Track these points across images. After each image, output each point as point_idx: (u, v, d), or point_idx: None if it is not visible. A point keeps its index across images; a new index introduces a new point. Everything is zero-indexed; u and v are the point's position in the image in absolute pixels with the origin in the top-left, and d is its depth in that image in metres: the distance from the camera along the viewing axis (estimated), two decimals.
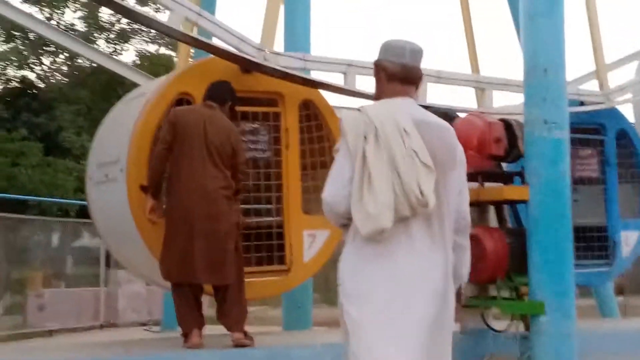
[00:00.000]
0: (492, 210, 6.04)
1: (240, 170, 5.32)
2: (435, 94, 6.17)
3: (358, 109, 3.23)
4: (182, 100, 5.64)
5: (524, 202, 5.58)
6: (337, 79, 6.29)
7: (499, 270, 5.56)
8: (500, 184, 5.94)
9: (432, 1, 55.69)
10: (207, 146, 5.15)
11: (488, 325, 5.90)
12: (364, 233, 3.00)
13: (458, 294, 3.27)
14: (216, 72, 5.73)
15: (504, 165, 6.19)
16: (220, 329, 5.50)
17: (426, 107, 6.20)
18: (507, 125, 5.89)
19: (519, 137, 5.79)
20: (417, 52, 3.34)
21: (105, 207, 6.09)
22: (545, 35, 5.45)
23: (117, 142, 5.72)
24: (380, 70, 3.32)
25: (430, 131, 3.17)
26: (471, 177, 5.91)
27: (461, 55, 8.51)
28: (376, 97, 3.38)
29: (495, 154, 5.80)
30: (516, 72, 6.23)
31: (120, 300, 14.14)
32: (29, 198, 17.65)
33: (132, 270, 7.02)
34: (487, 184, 5.87)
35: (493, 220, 6.07)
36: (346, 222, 3.13)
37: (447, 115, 6.29)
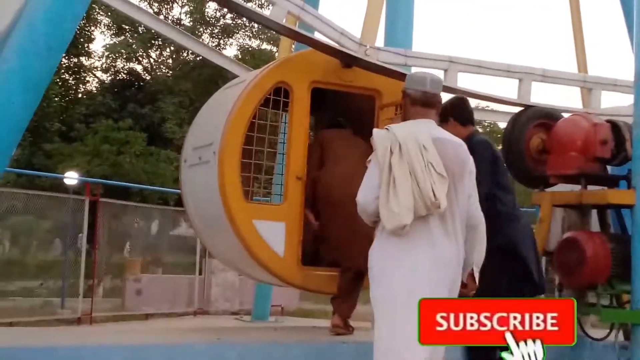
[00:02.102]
0: (594, 215, 5.84)
1: None
2: (540, 93, 5.97)
3: (386, 128, 3.92)
4: (280, 88, 5.69)
5: (629, 207, 5.36)
6: (438, 75, 6.19)
7: (599, 276, 5.37)
8: (605, 188, 5.73)
9: None
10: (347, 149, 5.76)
11: (586, 333, 5.71)
12: (388, 228, 3.68)
13: (471, 278, 3.91)
14: (316, 64, 5.76)
15: (609, 168, 5.97)
16: (316, 322, 5.57)
17: (529, 107, 6.15)
18: (615, 126, 5.68)
19: (627, 139, 5.57)
20: (436, 82, 4.06)
21: (196, 189, 6.12)
22: None
23: (214, 126, 5.76)
24: (406, 96, 4.02)
25: (445, 147, 3.83)
26: (574, 179, 5.75)
27: (568, 53, 8.25)
28: (403, 119, 4.09)
29: (601, 156, 5.60)
30: (627, 72, 6.02)
31: (214, 289, 14.43)
32: (131, 185, 18.22)
33: (217, 255, 6.96)
34: (590, 187, 5.67)
35: (595, 225, 5.87)
36: (376, 220, 3.81)
37: (552, 114, 6.14)
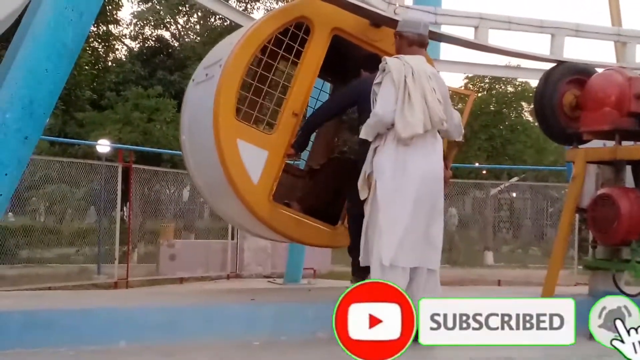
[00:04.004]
0: (628, 170, 5.78)
1: None
2: (572, 48, 5.86)
3: (397, 57, 4.74)
4: (302, 24, 5.61)
5: None
6: (468, 33, 6.13)
7: (633, 232, 5.34)
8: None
9: None
10: None
11: (620, 289, 5.69)
12: (404, 136, 4.50)
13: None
14: (345, 13, 5.67)
15: None
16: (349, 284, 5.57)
17: (562, 62, 6.06)
18: None
19: None
20: (427, 26, 4.97)
21: (195, 106, 5.92)
22: None
23: (228, 45, 5.69)
24: (403, 38, 4.88)
25: (438, 79, 4.76)
26: (608, 134, 5.68)
27: (602, 6, 8.07)
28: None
29: (636, 111, 5.52)
30: None
31: (246, 253, 14.58)
32: (163, 151, 18.35)
33: (199, 181, 6.24)
34: (624, 143, 5.60)
35: (629, 181, 5.81)
36: (384, 131, 4.61)
37: (585, 70, 6.05)
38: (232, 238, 14.62)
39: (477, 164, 25.07)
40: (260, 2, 26.70)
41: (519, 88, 28.49)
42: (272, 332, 5.01)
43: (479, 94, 28.96)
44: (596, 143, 5.98)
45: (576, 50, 6.02)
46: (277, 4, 26.47)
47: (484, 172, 25.02)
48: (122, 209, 13.24)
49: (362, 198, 4.75)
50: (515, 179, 24.27)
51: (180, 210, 16.93)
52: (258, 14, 26.12)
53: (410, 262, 4.55)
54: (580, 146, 5.96)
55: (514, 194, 21.27)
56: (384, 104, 4.59)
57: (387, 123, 4.58)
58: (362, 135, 4.73)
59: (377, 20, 5.74)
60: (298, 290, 8.06)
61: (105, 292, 10.58)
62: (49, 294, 8.78)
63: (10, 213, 13.93)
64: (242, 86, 5.45)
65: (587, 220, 5.76)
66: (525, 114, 29.14)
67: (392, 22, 5.70)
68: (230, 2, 24.80)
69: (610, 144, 5.71)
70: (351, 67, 6.16)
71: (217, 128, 5.32)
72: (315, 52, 5.64)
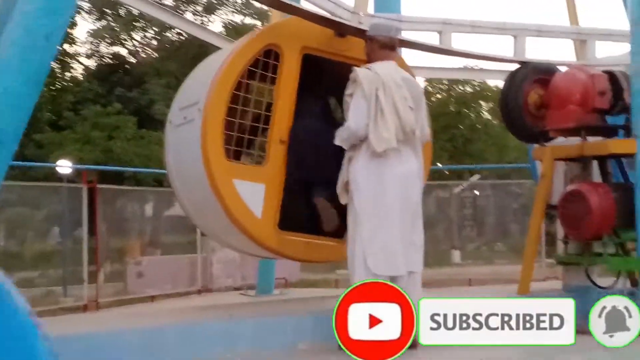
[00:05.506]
0: (595, 166, 5.88)
1: None
2: (532, 48, 5.96)
3: (367, 68, 4.73)
4: (270, 51, 5.61)
5: (630, 156, 5.41)
6: (432, 38, 6.18)
7: (604, 226, 5.42)
8: (605, 138, 5.76)
9: None
10: None
11: (593, 282, 5.78)
12: (379, 150, 4.53)
13: None
14: (310, 30, 5.67)
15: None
16: (323, 292, 5.56)
17: (526, 63, 6.15)
18: (612, 77, 5.69)
19: (624, 89, 5.59)
20: (398, 29, 5.19)
21: (179, 149, 5.93)
22: None
23: (201, 83, 5.65)
24: (375, 42, 4.90)
25: (410, 84, 4.79)
26: (574, 131, 5.77)
27: (558, 6, 8.22)
28: (369, 61, 4.90)
29: (600, 107, 5.62)
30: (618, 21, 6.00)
31: (215, 266, 14.44)
32: (125, 169, 18.17)
33: (196, 220, 6.42)
34: (590, 139, 5.70)
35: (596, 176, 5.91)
36: (357, 143, 4.64)
37: (548, 69, 6.14)
38: (201, 252, 14.50)
39: (439, 165, 25.26)
40: (217, 14, 26.61)
41: (478, 88, 28.81)
42: (252, 347, 4.96)
43: (438, 95, 29.21)
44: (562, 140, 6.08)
45: (539, 51, 6.11)
46: (233, 15, 26.43)
47: (447, 172, 25.24)
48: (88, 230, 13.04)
49: (342, 203, 4.81)
50: (477, 176, 24.52)
51: (145, 227, 16.77)
52: (215, 27, 26.02)
53: (397, 270, 4.56)
54: (546, 144, 6.05)
55: (477, 192, 21.48)
56: (356, 119, 4.62)
57: (360, 136, 4.62)
58: (337, 143, 4.78)
59: (343, 31, 5.74)
60: (273, 302, 8.00)
61: (77, 316, 10.40)
62: None
63: None
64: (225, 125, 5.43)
65: (557, 217, 5.84)
66: (485, 112, 29.48)
67: (357, 31, 5.72)
68: (185, 15, 24.68)
69: (575, 140, 5.81)
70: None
71: (211, 174, 5.29)
72: (289, 75, 5.60)
